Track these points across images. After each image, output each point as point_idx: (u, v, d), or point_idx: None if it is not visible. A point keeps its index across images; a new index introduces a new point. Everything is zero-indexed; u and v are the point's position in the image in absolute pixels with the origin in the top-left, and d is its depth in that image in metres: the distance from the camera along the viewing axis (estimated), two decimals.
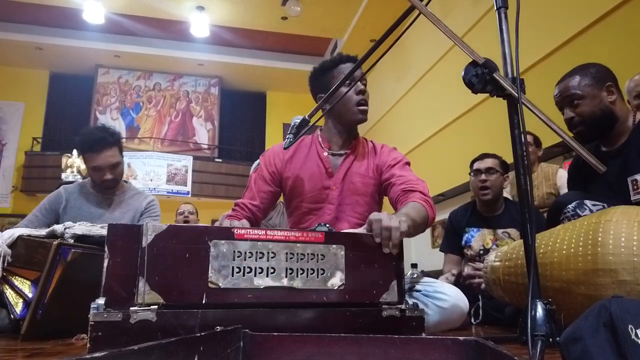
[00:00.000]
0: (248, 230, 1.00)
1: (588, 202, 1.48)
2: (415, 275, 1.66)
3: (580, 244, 1.16)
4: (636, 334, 0.62)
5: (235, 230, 0.98)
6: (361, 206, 1.65)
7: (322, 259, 1.02)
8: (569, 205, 1.51)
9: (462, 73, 1.07)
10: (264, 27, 10.09)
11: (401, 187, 1.54)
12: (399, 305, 1.06)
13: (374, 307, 1.05)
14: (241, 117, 12.49)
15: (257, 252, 0.98)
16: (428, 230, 7.56)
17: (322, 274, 1.01)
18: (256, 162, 2.92)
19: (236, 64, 11.34)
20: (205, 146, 11.99)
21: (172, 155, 11.03)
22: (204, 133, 12.09)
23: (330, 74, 1.67)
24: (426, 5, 1.15)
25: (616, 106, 1.65)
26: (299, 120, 1.47)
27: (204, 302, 0.93)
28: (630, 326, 0.63)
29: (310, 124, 1.51)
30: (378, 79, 8.88)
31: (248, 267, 0.97)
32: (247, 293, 0.96)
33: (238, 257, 0.96)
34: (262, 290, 0.97)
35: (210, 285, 0.94)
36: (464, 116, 6.26)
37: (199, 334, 0.65)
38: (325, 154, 1.70)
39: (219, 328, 0.74)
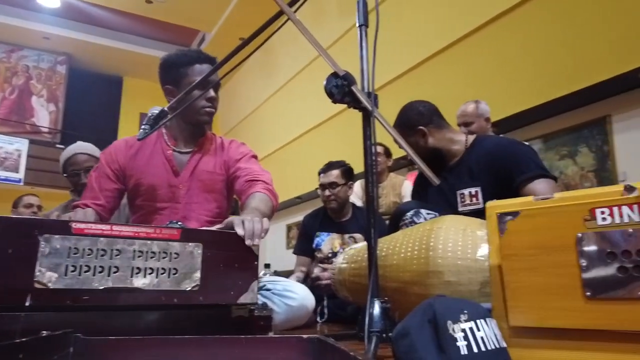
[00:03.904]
0: (90, 224, 0.91)
1: (423, 211, 1.66)
2: (267, 275, 1.69)
3: (416, 248, 1.29)
4: (453, 329, 0.71)
5: (74, 224, 0.89)
6: (210, 203, 1.63)
7: (175, 258, 0.95)
8: (407, 213, 1.67)
9: (325, 82, 1.12)
10: (125, 8, 9.32)
11: (245, 178, 1.56)
12: (248, 306, 1.06)
13: (223, 308, 1.03)
14: (92, 101, 11.29)
15: (98, 250, 0.89)
16: (284, 232, 7.73)
17: (174, 274, 0.95)
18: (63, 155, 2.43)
19: (90, 42, 10.29)
20: (46, 129, 10.64)
21: (3, 136, 9.59)
22: (44, 115, 10.72)
23: (184, 71, 1.60)
24: (295, 12, 1.17)
25: (432, 142, 1.82)
26: (157, 112, 1.39)
27: (27, 304, 0.82)
28: (449, 322, 0.72)
29: (170, 116, 1.44)
30: (245, 77, 8.83)
31: (86, 266, 0.88)
32: (82, 294, 0.87)
33: (74, 254, 0.87)
34: (101, 291, 0.88)
35: (36, 285, 0.83)
36: (324, 124, 6.55)
37: (18, 340, 0.58)
38: (170, 152, 1.64)
39: (44, 333, 0.66)
